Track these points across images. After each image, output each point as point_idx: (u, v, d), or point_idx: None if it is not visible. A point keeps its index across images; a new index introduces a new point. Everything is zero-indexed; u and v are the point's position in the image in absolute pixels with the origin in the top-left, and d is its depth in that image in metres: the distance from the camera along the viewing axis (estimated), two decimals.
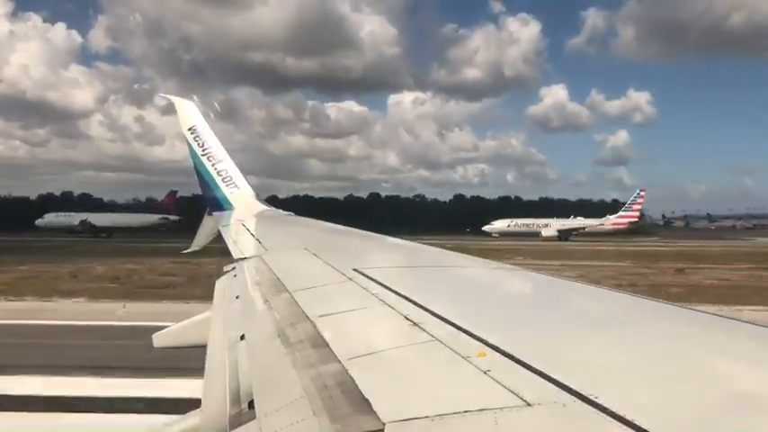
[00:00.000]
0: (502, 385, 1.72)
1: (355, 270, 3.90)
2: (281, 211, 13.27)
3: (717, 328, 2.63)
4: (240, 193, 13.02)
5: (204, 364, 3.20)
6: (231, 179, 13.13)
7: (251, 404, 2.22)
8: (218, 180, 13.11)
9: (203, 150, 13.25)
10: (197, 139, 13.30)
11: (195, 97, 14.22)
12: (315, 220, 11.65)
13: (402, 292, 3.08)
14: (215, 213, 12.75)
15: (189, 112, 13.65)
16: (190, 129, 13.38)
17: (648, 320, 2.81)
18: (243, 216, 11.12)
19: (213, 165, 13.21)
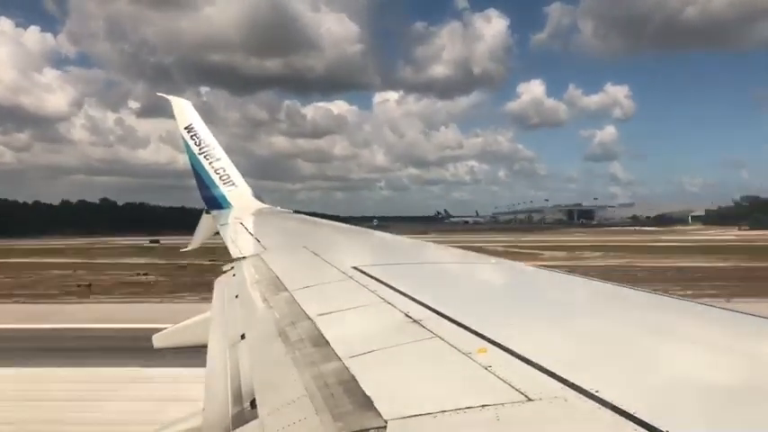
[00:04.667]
0: (503, 381, 1.73)
1: (354, 268, 3.90)
2: (278, 208, 13.26)
3: (719, 320, 2.63)
4: (238, 192, 13.00)
5: (205, 363, 3.20)
6: (229, 177, 13.10)
7: (253, 403, 2.22)
8: (215, 178, 13.07)
9: (200, 149, 13.21)
10: (194, 137, 13.25)
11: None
12: (313, 218, 11.64)
13: (402, 290, 3.08)
14: (213, 212, 12.72)
15: (186, 111, 13.61)
16: (187, 128, 13.33)
17: (650, 314, 2.81)
18: (241, 214, 11.10)
19: (210, 163, 13.17)
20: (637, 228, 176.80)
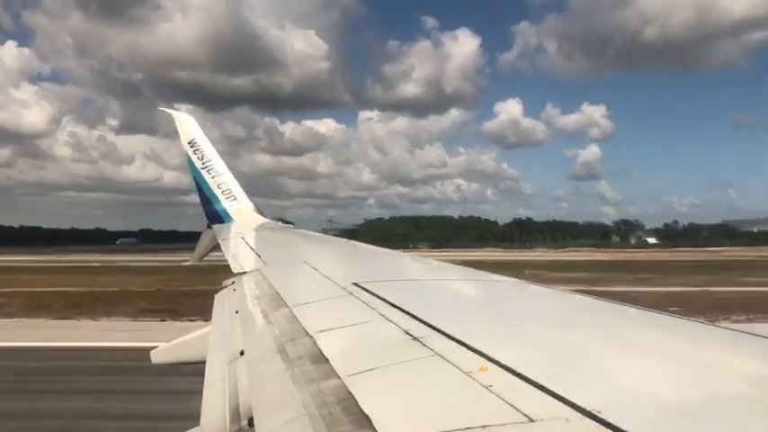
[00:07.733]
0: (504, 401, 1.70)
1: (355, 284, 3.88)
2: (280, 223, 13.27)
3: (723, 340, 2.61)
4: (239, 206, 13.04)
5: (203, 380, 3.17)
6: (230, 192, 13.15)
7: (250, 421, 2.20)
8: (217, 193, 13.13)
9: (203, 164, 13.27)
10: (197, 152, 13.32)
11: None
12: (314, 233, 11.65)
13: (402, 307, 3.06)
14: (214, 226, 12.75)
15: (188, 125, 13.69)
16: (190, 142, 13.41)
17: (655, 334, 2.78)
18: (242, 229, 11.12)
19: (213, 178, 13.23)
20: None
